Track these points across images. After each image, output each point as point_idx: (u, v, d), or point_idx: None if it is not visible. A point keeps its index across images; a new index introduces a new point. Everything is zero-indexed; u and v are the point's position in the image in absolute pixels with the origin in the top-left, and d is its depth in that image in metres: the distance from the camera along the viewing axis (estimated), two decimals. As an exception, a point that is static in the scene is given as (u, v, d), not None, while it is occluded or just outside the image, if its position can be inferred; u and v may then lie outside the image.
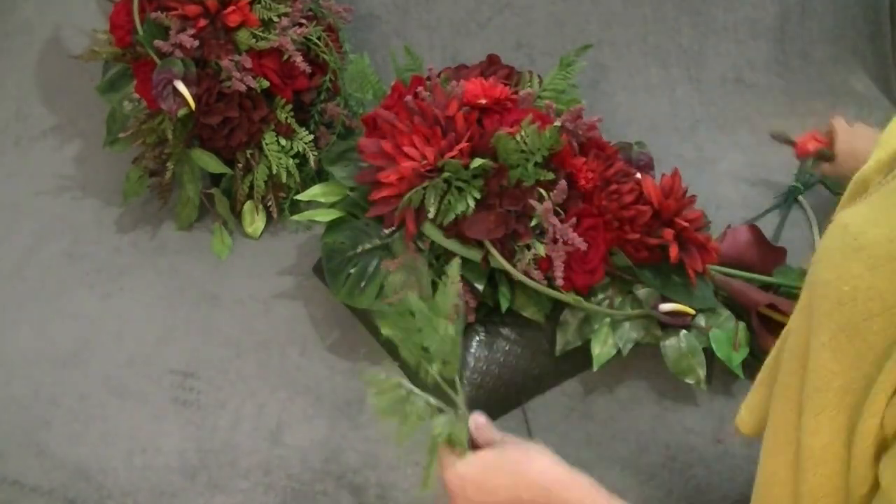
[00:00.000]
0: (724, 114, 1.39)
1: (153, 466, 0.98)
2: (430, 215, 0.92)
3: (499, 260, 0.93)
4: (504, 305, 0.98)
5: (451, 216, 0.92)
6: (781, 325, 1.00)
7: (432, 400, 0.74)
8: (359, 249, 0.97)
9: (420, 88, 0.98)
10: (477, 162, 0.91)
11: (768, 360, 0.67)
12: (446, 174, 0.91)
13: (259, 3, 1.17)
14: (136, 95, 1.17)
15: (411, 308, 0.73)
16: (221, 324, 1.13)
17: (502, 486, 0.70)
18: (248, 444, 1.00)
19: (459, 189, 0.92)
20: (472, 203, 0.92)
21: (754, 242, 1.10)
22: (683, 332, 0.99)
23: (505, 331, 1.03)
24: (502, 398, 1.03)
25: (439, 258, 0.96)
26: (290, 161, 1.21)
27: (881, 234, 0.52)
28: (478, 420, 0.75)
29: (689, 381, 0.99)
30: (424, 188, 0.91)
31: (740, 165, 1.40)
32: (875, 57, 1.51)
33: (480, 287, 0.98)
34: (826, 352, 0.54)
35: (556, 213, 0.93)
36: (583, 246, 0.90)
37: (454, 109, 0.93)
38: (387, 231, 0.97)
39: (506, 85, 1.01)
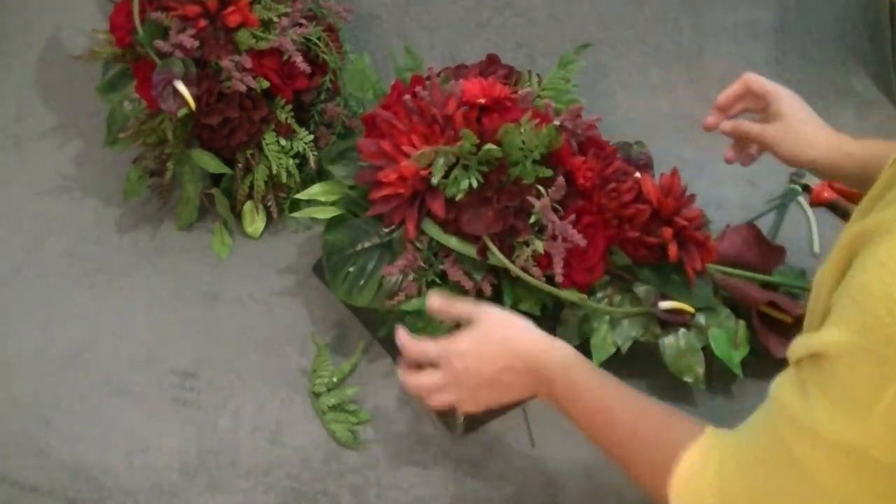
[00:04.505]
0: (725, 114, 1.39)
1: (153, 466, 0.97)
2: (434, 181, 0.91)
3: (497, 256, 0.92)
4: (507, 304, 0.98)
5: (454, 190, 0.91)
6: (782, 323, 1.01)
7: None
8: (358, 247, 0.97)
9: (419, 88, 0.98)
10: (486, 148, 0.90)
11: None
12: (458, 147, 0.90)
13: (259, 3, 1.17)
14: (136, 95, 1.17)
15: None
16: (221, 324, 1.13)
17: (498, 354, 0.77)
18: (248, 444, 1.00)
19: (466, 167, 0.91)
20: (475, 184, 0.91)
21: (753, 242, 1.10)
22: (682, 330, 0.99)
23: (505, 330, 1.02)
24: (502, 397, 1.03)
25: (437, 255, 0.96)
26: (290, 161, 1.21)
27: None
28: (433, 303, 0.82)
29: (688, 379, 0.99)
30: (436, 151, 0.90)
31: (740, 166, 1.39)
32: (875, 57, 1.50)
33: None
34: None
35: (555, 210, 0.93)
36: (582, 242, 0.90)
37: (453, 108, 0.93)
38: (386, 230, 0.97)
39: (505, 84, 1.01)
